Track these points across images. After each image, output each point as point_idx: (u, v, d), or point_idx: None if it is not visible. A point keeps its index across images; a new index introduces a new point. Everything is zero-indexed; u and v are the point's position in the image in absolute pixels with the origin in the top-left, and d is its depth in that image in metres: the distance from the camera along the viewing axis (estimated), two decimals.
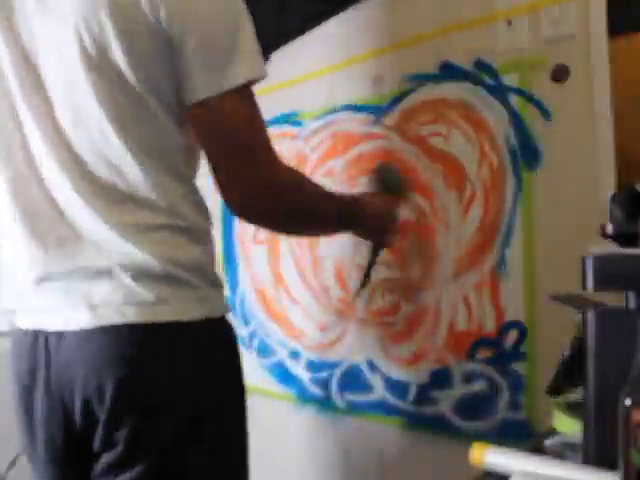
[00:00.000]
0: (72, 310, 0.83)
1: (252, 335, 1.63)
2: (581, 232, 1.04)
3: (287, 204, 0.92)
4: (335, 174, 1.43)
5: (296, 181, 0.94)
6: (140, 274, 0.82)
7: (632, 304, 0.74)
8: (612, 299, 0.80)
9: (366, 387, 1.35)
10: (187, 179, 0.91)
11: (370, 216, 1.12)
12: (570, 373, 0.82)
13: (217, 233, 1.75)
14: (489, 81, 1.17)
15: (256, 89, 1.60)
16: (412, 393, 1.26)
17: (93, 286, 0.82)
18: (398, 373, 1.29)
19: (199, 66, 0.80)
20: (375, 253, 1.24)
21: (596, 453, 0.72)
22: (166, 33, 0.79)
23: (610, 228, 0.81)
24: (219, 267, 1.73)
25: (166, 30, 0.78)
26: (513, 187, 1.13)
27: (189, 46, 0.79)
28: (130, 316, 0.80)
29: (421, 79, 1.28)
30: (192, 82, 0.81)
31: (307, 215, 0.98)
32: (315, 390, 1.46)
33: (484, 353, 1.15)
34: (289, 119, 1.56)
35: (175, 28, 0.78)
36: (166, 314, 0.82)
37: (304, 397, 1.49)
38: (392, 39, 1.33)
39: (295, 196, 0.92)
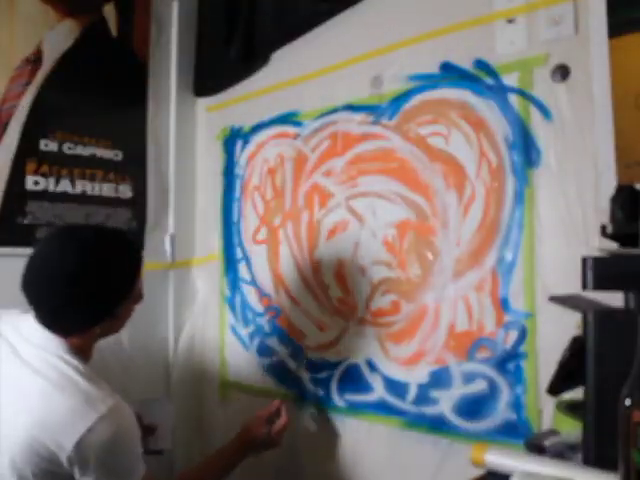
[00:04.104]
0: None
1: (252, 335, 1.63)
2: (581, 232, 1.04)
3: None
4: (335, 174, 1.43)
5: None
6: None
7: (632, 304, 0.74)
8: (612, 299, 0.80)
9: (366, 387, 1.35)
10: None
11: (256, 451, 1.32)
12: (570, 373, 0.82)
13: (217, 233, 1.75)
14: (489, 81, 1.17)
15: (256, 88, 1.61)
16: (412, 393, 1.26)
17: None
18: (398, 373, 1.29)
19: None
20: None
21: (596, 453, 0.72)
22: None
23: (610, 228, 0.81)
24: (219, 267, 1.74)
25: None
26: (513, 187, 1.13)
27: None
28: None
29: (421, 79, 1.28)
30: None
31: None
32: (315, 390, 1.46)
33: (484, 353, 1.15)
34: (289, 119, 1.56)
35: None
36: None
37: (304, 397, 1.49)
38: (392, 39, 1.33)
39: None
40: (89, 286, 1.01)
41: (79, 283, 1.01)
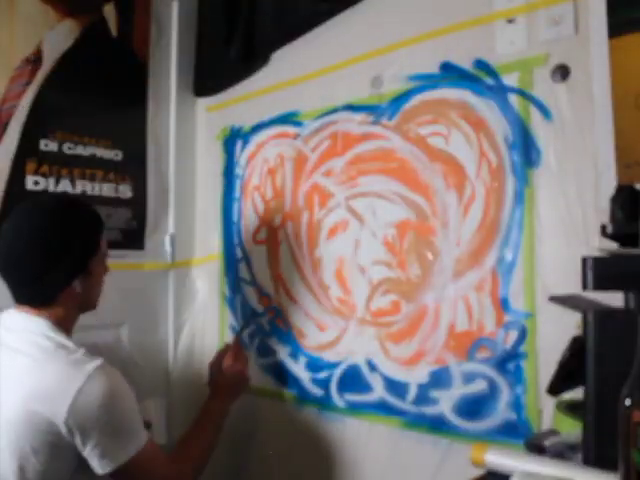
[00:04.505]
0: None
1: (252, 335, 1.63)
2: (581, 232, 1.04)
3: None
4: (335, 174, 1.43)
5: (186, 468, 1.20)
6: None
7: (632, 304, 0.74)
8: (612, 299, 0.80)
9: (366, 387, 1.35)
10: None
11: (227, 395, 1.42)
12: (570, 373, 0.82)
13: (217, 233, 1.75)
14: (489, 81, 1.17)
15: (256, 88, 1.61)
16: (412, 393, 1.26)
17: None
18: (398, 373, 1.29)
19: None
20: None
21: (596, 453, 0.72)
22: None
23: (610, 228, 0.81)
24: (219, 267, 1.74)
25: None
26: (513, 187, 1.13)
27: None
28: None
29: (421, 79, 1.28)
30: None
31: (206, 457, 1.27)
32: (315, 390, 1.46)
33: (484, 353, 1.15)
34: (289, 119, 1.56)
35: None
36: None
37: (304, 397, 1.48)
38: (392, 39, 1.33)
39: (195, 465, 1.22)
40: (57, 243, 1.07)
41: (47, 242, 1.07)
